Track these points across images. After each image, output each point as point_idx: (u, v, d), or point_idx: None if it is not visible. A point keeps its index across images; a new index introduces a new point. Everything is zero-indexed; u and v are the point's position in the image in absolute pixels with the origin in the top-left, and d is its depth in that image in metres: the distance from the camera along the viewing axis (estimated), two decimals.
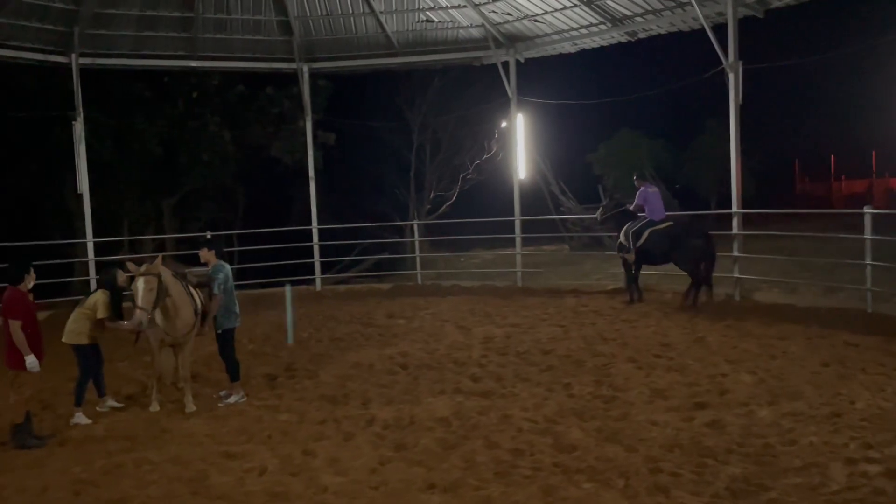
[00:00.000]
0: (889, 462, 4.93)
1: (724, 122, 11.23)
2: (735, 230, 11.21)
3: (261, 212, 21.58)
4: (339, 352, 9.00)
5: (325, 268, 15.89)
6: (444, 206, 23.64)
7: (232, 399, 7.13)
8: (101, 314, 6.80)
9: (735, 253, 11.19)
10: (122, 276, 7.00)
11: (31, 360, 6.03)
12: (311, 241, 14.61)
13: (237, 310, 7.29)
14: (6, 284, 6.18)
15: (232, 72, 17.07)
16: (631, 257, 11.13)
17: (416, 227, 15.70)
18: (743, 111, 11.10)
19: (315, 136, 15.85)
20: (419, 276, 14.75)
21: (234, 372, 7.25)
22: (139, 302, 6.50)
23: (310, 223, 14.71)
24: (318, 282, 14.56)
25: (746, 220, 11.42)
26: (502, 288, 13.46)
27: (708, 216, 20.77)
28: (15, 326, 6.01)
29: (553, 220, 20.78)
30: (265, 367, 8.32)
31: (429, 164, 24.35)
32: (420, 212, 23.52)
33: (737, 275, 11.11)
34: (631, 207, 11.48)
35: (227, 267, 7.24)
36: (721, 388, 6.73)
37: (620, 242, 11.37)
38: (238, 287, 7.59)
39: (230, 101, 20.20)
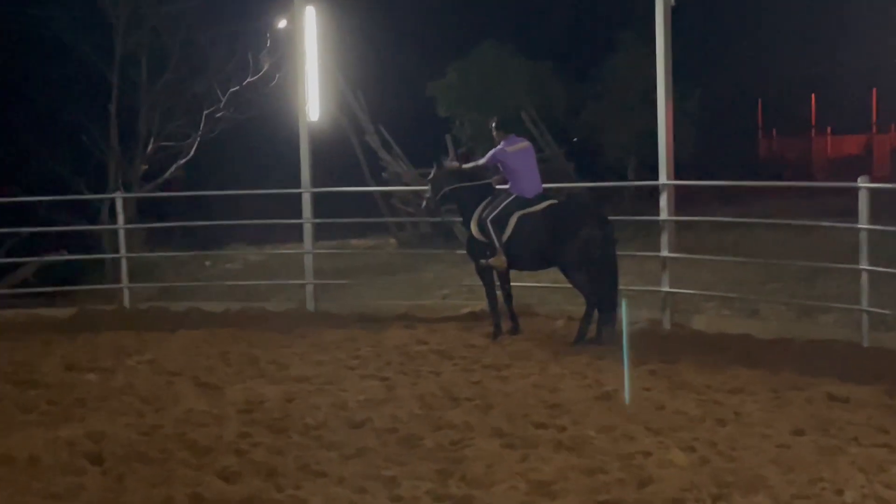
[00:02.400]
0: None
1: (647, 34, 11.87)
2: (664, 214, 11.86)
3: None
4: None
5: None
6: (175, 168, 23.07)
7: None
8: None
9: (663, 252, 11.83)
10: None
11: None
12: None
13: None
14: None
15: None
16: (499, 262, 11.51)
17: (120, 205, 15.25)
18: (677, 18, 11.69)
19: None
20: (126, 294, 14.51)
21: None
22: None
23: None
24: None
25: (682, 198, 12.14)
26: (280, 313, 13.66)
27: (623, 189, 21.90)
28: None
29: (370, 194, 20.97)
30: None
31: (145, 92, 23.54)
32: (130, 177, 22.74)
33: (665, 288, 11.75)
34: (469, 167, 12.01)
35: None
36: (641, 476, 7.00)
37: (472, 238, 11.78)
38: None
39: None
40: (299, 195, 14.36)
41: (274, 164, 17.43)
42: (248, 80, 23.02)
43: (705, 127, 26.81)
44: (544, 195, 11.59)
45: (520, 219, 11.33)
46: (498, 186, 11.90)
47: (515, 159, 11.54)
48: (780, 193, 14.15)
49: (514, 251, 11.42)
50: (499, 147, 11.60)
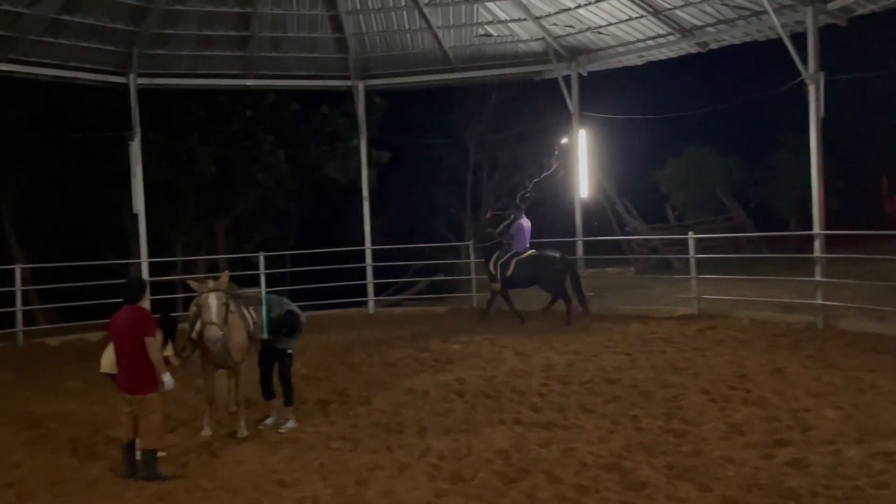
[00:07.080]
0: None
1: (801, 136, 11.03)
2: (817, 253, 10.93)
3: (314, 232, 21.92)
4: (393, 377, 9.04)
5: (379, 290, 16.02)
6: (502, 227, 23.64)
7: (290, 425, 7.24)
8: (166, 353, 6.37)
9: (817, 277, 10.88)
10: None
11: (168, 378, 5.97)
12: (364, 262, 14.78)
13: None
14: (123, 303, 6.00)
15: (287, 90, 17.51)
16: (497, 287, 12.63)
17: (471, 248, 15.72)
18: (824, 126, 10.78)
19: (369, 155, 16.07)
20: (475, 299, 14.79)
21: (290, 396, 7.38)
22: (212, 317, 6.56)
23: (363, 244, 14.91)
24: (370, 304, 14.71)
25: (830, 243, 11.11)
26: (563, 312, 13.27)
27: (788, 237, 20.20)
28: (154, 344, 5.87)
29: (617, 240, 20.48)
30: (318, 392, 8.43)
31: (486, 183, 24.34)
32: (476, 233, 23.56)
33: (819, 301, 10.77)
34: (497, 231, 12.89)
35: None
36: (803, 423, 6.54)
37: (490, 272, 12.75)
38: None
39: (285, 120, 20.61)
40: (574, 242, 14.32)
41: (559, 224, 17.47)
42: (545, 174, 23.26)
43: (845, 194, 24.20)
44: (529, 248, 12.55)
45: (516, 262, 12.42)
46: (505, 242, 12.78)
47: (524, 230, 12.66)
48: None
49: (515, 278, 12.47)
50: (519, 221, 12.74)
